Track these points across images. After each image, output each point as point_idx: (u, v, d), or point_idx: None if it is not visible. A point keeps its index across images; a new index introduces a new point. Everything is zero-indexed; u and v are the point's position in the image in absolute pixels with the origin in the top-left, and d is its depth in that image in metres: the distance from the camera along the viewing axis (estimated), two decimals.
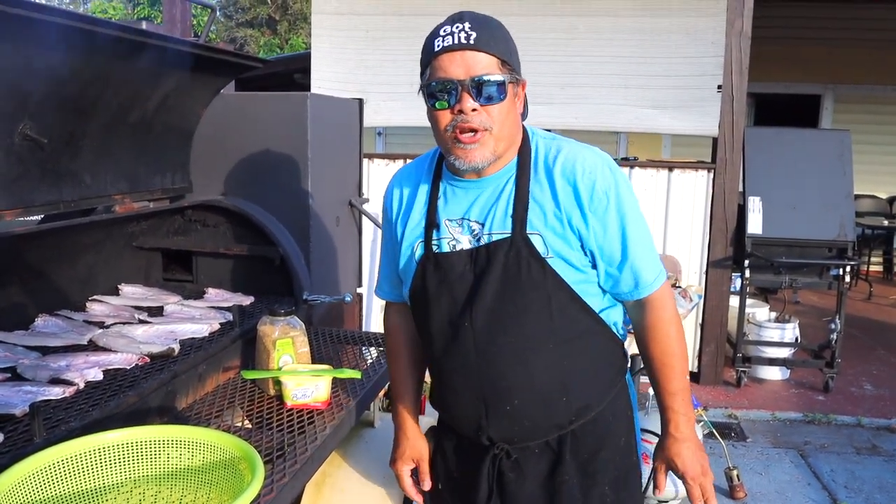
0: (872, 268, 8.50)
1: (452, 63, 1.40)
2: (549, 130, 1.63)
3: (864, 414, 4.61)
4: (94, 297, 2.34)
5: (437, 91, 1.43)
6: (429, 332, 1.59)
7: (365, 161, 4.35)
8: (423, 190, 1.60)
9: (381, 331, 1.96)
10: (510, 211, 1.48)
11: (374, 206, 4.28)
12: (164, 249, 2.71)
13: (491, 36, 1.42)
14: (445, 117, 1.44)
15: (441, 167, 1.58)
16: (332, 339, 2.41)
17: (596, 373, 1.57)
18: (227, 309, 2.29)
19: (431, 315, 1.56)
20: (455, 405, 1.60)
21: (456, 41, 1.40)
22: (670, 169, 5.06)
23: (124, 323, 2.12)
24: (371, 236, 4.45)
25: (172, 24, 2.83)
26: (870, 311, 7.20)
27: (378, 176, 5.21)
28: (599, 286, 1.54)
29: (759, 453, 4.10)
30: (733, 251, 4.96)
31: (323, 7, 5.15)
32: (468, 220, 1.52)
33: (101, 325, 2.10)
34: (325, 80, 5.17)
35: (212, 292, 2.49)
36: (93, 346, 1.94)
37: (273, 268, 2.57)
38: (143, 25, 2.20)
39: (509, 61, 1.43)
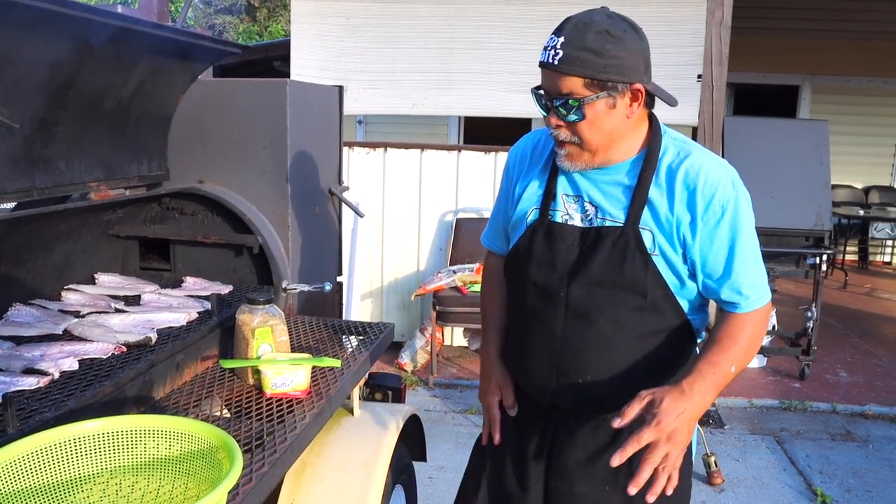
0: (848, 257, 8.61)
1: (545, 78, 1.49)
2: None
3: (838, 401, 4.68)
4: (70, 286, 2.31)
5: (538, 99, 1.53)
6: (521, 292, 1.67)
7: (345, 149, 4.32)
8: (547, 163, 1.67)
9: (361, 319, 1.97)
10: (626, 202, 1.54)
11: (353, 195, 4.26)
12: (141, 238, 2.67)
13: (581, 50, 1.42)
14: (547, 122, 1.54)
15: None
16: (311, 328, 2.39)
17: (669, 368, 1.60)
18: (206, 298, 2.27)
19: (528, 276, 1.63)
20: (528, 366, 1.68)
21: (546, 59, 1.46)
22: None
23: (100, 312, 2.09)
24: (351, 225, 4.43)
25: (149, 9, 2.79)
26: (845, 299, 7.30)
27: (358, 164, 5.19)
28: (696, 293, 1.59)
29: (737, 440, 4.15)
30: None
31: None
32: (583, 200, 1.59)
33: (76, 314, 2.07)
34: (305, 67, 5.13)
35: (190, 281, 2.47)
36: (68, 336, 1.91)
37: (252, 256, 2.55)
38: (119, 9, 2.16)
39: (599, 77, 1.43)
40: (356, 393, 2.21)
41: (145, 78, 2.26)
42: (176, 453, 1.37)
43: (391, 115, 5.23)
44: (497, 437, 1.78)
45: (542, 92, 1.50)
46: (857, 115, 8.71)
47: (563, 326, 1.59)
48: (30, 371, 1.64)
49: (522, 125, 5.27)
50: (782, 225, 4.90)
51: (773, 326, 5.25)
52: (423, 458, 2.57)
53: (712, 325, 1.63)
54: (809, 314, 4.94)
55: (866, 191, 8.83)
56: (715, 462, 3.59)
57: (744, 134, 5.12)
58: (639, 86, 1.50)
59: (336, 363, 1.99)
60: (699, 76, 4.82)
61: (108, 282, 2.42)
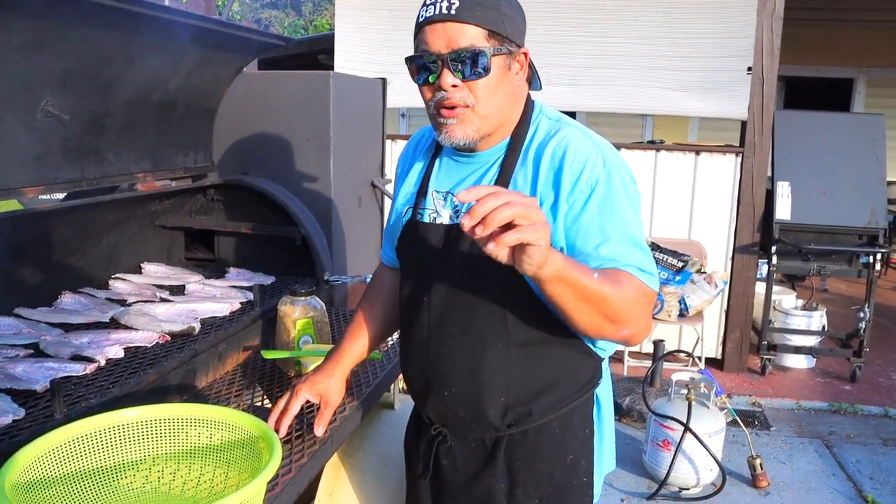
0: None
1: (434, 35, 1.31)
2: (571, 114, 1.52)
3: (891, 405, 4.53)
4: (117, 275, 2.35)
5: (418, 65, 1.35)
6: (401, 295, 1.57)
7: (388, 142, 4.33)
8: (426, 157, 1.56)
9: None
10: None
11: None
12: (187, 228, 2.71)
13: (477, 3, 1.29)
14: (428, 93, 1.36)
15: None
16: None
17: (549, 383, 1.44)
18: (248, 288, 2.29)
19: (404, 280, 1.55)
20: (408, 374, 1.57)
21: (437, 11, 1.30)
22: (697, 153, 4.98)
23: (146, 301, 2.12)
24: None
25: (196, 2, 2.82)
26: None
27: None
28: None
29: (783, 442, 4.05)
30: (760, 237, 4.88)
31: None
32: (453, 194, 1.46)
33: (122, 302, 2.10)
34: (349, 60, 5.14)
35: (233, 272, 2.49)
36: (114, 324, 1.95)
37: (294, 248, 2.57)
38: (167, 2, 2.19)
39: (499, 30, 1.31)
40: (396, 386, 2.21)
41: (191, 70, 2.29)
42: (217, 442, 1.37)
43: None
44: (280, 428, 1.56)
45: (431, 51, 1.31)
46: None
47: (428, 334, 1.46)
48: (77, 358, 1.67)
49: None
50: (835, 222, 4.76)
51: (824, 327, 5.11)
52: None
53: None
54: (861, 314, 4.79)
55: None
56: (760, 464, 3.51)
57: (795, 129, 4.98)
58: (526, 50, 1.39)
59: (377, 356, 1.99)
60: (749, 68, 4.70)
61: (154, 271, 2.46)
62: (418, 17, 1.35)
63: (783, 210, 4.79)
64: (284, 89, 2.62)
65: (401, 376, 2.31)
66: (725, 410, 3.64)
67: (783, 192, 4.81)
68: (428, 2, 1.33)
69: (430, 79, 1.34)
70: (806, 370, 5.10)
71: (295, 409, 1.57)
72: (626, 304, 1.23)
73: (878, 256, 4.81)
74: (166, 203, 2.60)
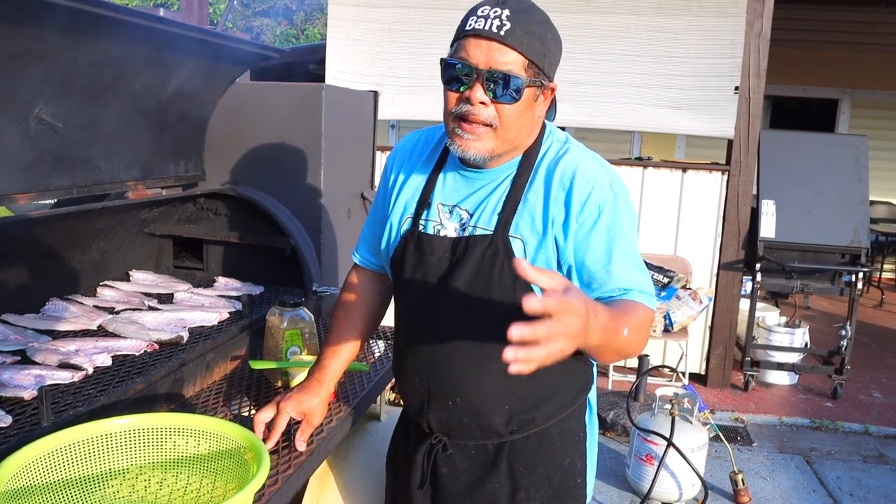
0: (885, 275, 8.44)
1: (477, 48, 1.32)
2: (562, 128, 1.59)
3: (871, 422, 4.58)
4: (105, 282, 2.35)
5: (453, 72, 1.36)
6: (399, 306, 1.57)
7: (378, 154, 4.35)
8: (426, 166, 1.55)
9: (388, 324, 1.95)
10: (499, 209, 1.42)
11: None
12: (176, 237, 2.71)
13: (527, 32, 1.32)
14: (453, 99, 1.37)
15: (448, 150, 1.52)
16: None
17: (550, 390, 1.50)
18: (237, 298, 2.29)
19: (404, 290, 1.54)
20: (405, 384, 1.58)
21: (488, 27, 1.31)
22: (684, 170, 5.04)
23: (134, 309, 2.13)
24: None
25: (189, 12, 2.83)
26: (881, 318, 7.15)
27: None
28: None
29: (765, 458, 4.08)
30: (745, 254, 4.93)
31: None
32: (459, 208, 1.47)
33: (111, 310, 2.10)
34: (340, 71, 5.17)
35: (222, 281, 2.50)
36: (102, 332, 1.95)
37: (283, 258, 2.57)
38: (161, 12, 2.20)
39: (539, 63, 1.35)
40: (383, 397, 2.22)
41: (184, 80, 2.30)
42: (204, 452, 1.38)
43: (424, 120, 5.24)
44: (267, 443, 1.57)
45: (469, 62, 1.33)
46: None
47: (432, 345, 1.48)
48: (65, 365, 1.67)
49: None
50: (818, 241, 4.82)
51: (806, 344, 5.16)
52: None
53: None
54: (843, 332, 4.85)
55: None
56: (742, 480, 3.53)
57: (781, 148, 5.05)
58: (554, 85, 1.43)
59: (364, 367, 2.00)
60: (736, 88, 4.77)
61: (143, 279, 2.46)
62: (465, 23, 1.35)
63: (768, 228, 4.85)
64: (277, 100, 2.63)
65: (387, 388, 2.32)
66: (708, 426, 3.66)
67: (768, 210, 4.87)
68: (480, 13, 1.33)
69: (461, 88, 1.36)
70: (788, 387, 5.15)
71: (282, 426, 1.57)
72: (637, 339, 1.31)
73: (861, 275, 4.87)
74: (156, 211, 2.60)
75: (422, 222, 1.50)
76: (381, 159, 5.14)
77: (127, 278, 2.45)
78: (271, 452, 1.54)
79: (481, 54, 1.32)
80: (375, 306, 1.73)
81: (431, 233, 1.48)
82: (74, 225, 2.21)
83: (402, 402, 1.66)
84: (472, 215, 1.45)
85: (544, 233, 1.39)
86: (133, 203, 2.32)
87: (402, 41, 5.11)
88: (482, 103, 1.34)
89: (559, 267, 1.40)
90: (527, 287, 1.34)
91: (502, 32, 1.30)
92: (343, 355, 1.68)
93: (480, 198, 1.45)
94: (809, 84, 8.53)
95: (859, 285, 4.91)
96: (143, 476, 1.38)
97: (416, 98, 5.08)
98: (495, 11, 1.31)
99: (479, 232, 1.43)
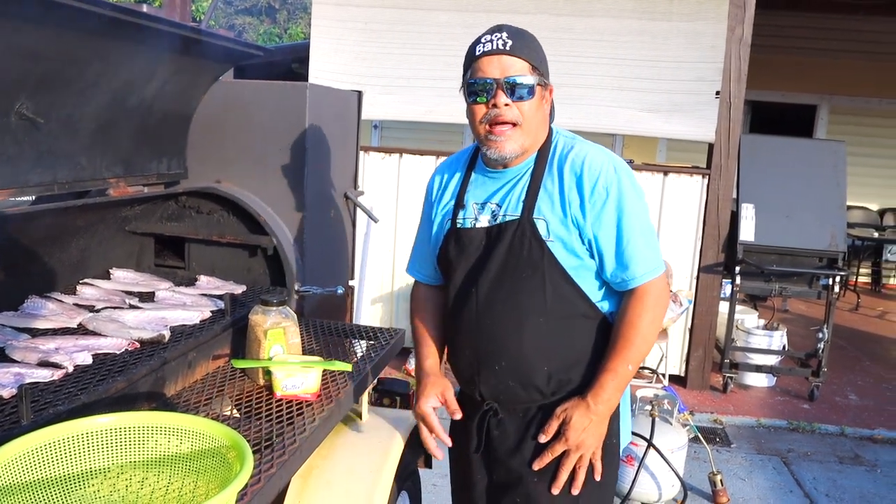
0: (861, 279, 8.55)
1: (490, 65, 1.63)
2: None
3: (847, 423, 4.64)
4: (86, 280, 2.33)
5: (476, 88, 1.64)
6: (448, 295, 1.81)
7: (361, 154, 4.34)
8: (458, 176, 1.84)
9: (372, 324, 2.00)
10: (523, 196, 1.69)
11: (368, 199, 4.27)
12: (157, 235, 2.69)
13: (525, 45, 1.65)
14: (481, 111, 1.65)
15: (475, 159, 1.82)
16: (323, 331, 2.40)
17: (583, 353, 1.72)
18: (219, 297, 2.28)
19: (451, 280, 1.79)
20: (458, 361, 1.81)
21: (494, 47, 1.63)
22: (665, 173, 5.07)
23: (115, 307, 2.11)
24: (364, 229, 4.44)
25: (172, 9, 2.81)
26: (857, 321, 7.25)
27: (373, 169, 5.20)
28: (598, 276, 1.70)
29: (743, 459, 4.12)
30: (725, 257, 4.98)
31: None
32: (489, 203, 1.74)
33: (91, 308, 2.08)
34: (323, 70, 5.15)
35: (204, 280, 2.48)
36: (83, 330, 1.93)
37: (266, 257, 2.57)
38: (144, 8, 2.18)
39: (539, 67, 1.66)
40: (365, 398, 2.21)
41: (167, 77, 2.29)
42: (186, 451, 1.37)
43: (407, 120, 5.24)
44: (447, 440, 1.85)
45: (487, 77, 1.62)
46: (874, 136, 8.66)
47: (477, 319, 1.72)
48: (44, 364, 1.65)
49: None
50: (796, 245, 4.87)
51: (784, 346, 5.22)
52: (428, 464, 2.57)
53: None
54: (820, 335, 4.91)
55: (881, 213, 8.77)
56: (721, 481, 3.57)
57: (760, 152, 5.10)
58: (552, 87, 1.74)
59: (347, 367, 2.00)
60: (717, 92, 4.81)
61: (123, 277, 2.44)
62: (474, 51, 1.66)
63: (747, 231, 4.89)
64: (261, 99, 2.62)
65: (370, 387, 2.32)
66: (688, 427, 3.69)
67: (747, 213, 4.92)
68: (483, 40, 1.65)
69: (486, 99, 1.63)
70: (766, 388, 5.20)
71: (436, 423, 1.80)
72: (648, 334, 1.67)
73: (838, 279, 4.93)
74: (137, 209, 2.58)
75: (459, 220, 1.77)
76: (363, 159, 5.13)
77: (107, 276, 2.43)
78: (253, 451, 1.53)
79: (496, 68, 1.63)
80: (442, 307, 1.92)
81: (469, 227, 1.76)
82: (54, 222, 2.18)
83: (455, 378, 1.87)
84: (500, 206, 1.72)
85: (564, 213, 1.65)
86: (114, 200, 2.30)
87: (384, 41, 5.10)
88: (506, 105, 1.63)
89: (582, 241, 1.66)
90: (552, 258, 1.65)
91: (507, 47, 1.63)
92: (436, 356, 1.90)
93: (506, 191, 1.73)
94: (789, 90, 8.64)
95: (836, 289, 4.97)
96: (124, 475, 1.37)
97: (398, 98, 5.07)
98: (496, 35, 1.64)
99: (508, 218, 1.70)
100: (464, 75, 1.70)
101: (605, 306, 1.73)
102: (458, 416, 1.78)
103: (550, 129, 1.77)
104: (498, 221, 1.71)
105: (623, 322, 1.67)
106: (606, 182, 1.64)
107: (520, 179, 1.72)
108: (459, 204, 1.78)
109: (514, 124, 1.64)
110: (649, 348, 1.72)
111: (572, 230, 1.65)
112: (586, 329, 1.72)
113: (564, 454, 1.67)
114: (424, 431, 1.81)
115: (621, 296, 1.72)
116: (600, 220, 1.65)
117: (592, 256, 1.68)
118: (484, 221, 1.74)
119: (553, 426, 1.68)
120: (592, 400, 1.65)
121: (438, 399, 1.80)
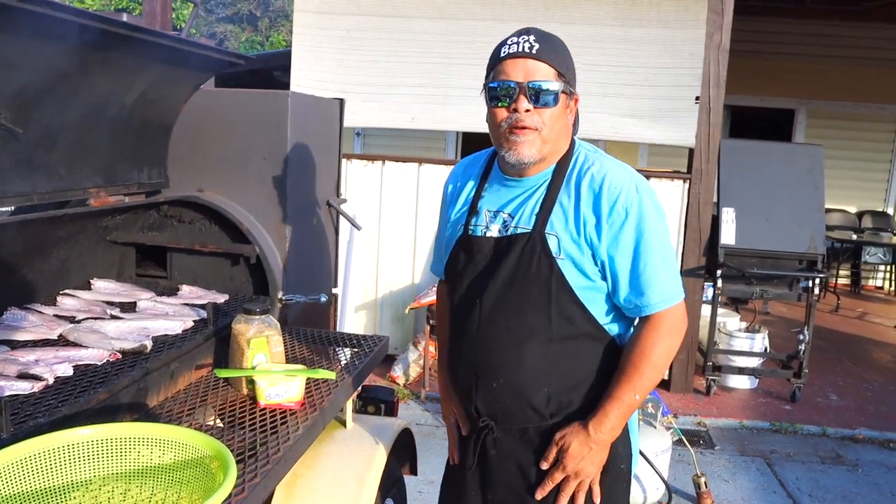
0: (840, 281, 8.65)
1: (514, 68, 1.55)
2: None
3: (829, 424, 4.69)
4: (66, 291, 2.31)
5: (497, 92, 1.57)
6: (452, 305, 1.77)
7: (343, 161, 4.34)
8: (473, 182, 1.78)
9: (355, 332, 2.00)
10: (536, 210, 1.63)
11: (351, 207, 4.27)
12: (139, 245, 2.68)
13: (552, 49, 1.57)
14: (502, 114, 1.58)
15: (492, 165, 1.76)
16: (306, 340, 2.40)
17: (585, 375, 1.65)
18: (202, 306, 2.27)
19: (456, 287, 1.74)
20: (456, 372, 1.76)
21: (520, 49, 1.55)
22: (646, 178, 5.10)
23: (96, 318, 2.09)
24: (347, 237, 4.44)
25: (152, 17, 2.81)
26: (837, 323, 7.33)
27: (356, 176, 5.20)
28: (608, 298, 1.64)
29: (727, 461, 4.15)
30: (706, 261, 5.02)
31: (305, 5, 5.13)
32: (502, 212, 1.68)
33: (71, 319, 2.07)
34: (305, 78, 5.15)
35: (186, 289, 2.47)
36: (63, 341, 1.91)
37: (248, 266, 2.56)
38: (124, 17, 2.18)
39: (566, 74, 1.59)
40: (349, 405, 2.21)
41: (148, 86, 2.28)
42: (169, 462, 1.37)
43: (389, 128, 5.25)
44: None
45: (510, 80, 1.55)
46: (851, 139, 8.78)
47: (478, 330, 1.67)
48: (24, 376, 1.64)
49: None
50: (776, 248, 4.93)
51: (766, 348, 5.27)
52: (413, 471, 2.57)
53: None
54: (801, 337, 4.96)
55: (859, 215, 8.89)
56: (705, 483, 3.59)
57: (740, 156, 5.15)
58: (578, 96, 1.67)
59: (330, 375, 1.99)
60: (697, 98, 4.86)
61: (104, 288, 2.42)
62: (498, 53, 1.59)
63: (728, 235, 4.94)
64: (242, 108, 2.62)
65: (355, 395, 2.32)
66: (672, 430, 3.72)
67: (728, 217, 4.97)
68: (510, 41, 1.58)
69: (507, 103, 1.57)
70: (749, 390, 5.25)
71: (456, 434, 1.85)
72: (658, 363, 1.59)
73: (817, 281, 4.99)
74: (118, 219, 2.57)
75: (471, 228, 1.72)
76: (346, 167, 5.13)
77: (88, 287, 2.41)
78: (237, 461, 1.53)
79: (519, 71, 1.55)
80: None
81: (479, 235, 1.70)
82: (34, 232, 2.17)
83: (453, 390, 1.83)
84: (513, 217, 1.66)
85: (577, 231, 1.59)
86: (95, 210, 2.28)
87: (366, 49, 5.11)
88: (527, 110, 1.55)
89: (594, 262, 1.60)
90: (561, 277, 1.58)
91: (534, 51, 1.55)
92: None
93: (520, 202, 1.66)
94: (767, 94, 8.74)
95: (816, 291, 5.03)
96: (106, 487, 1.36)
97: (381, 106, 5.08)
98: (523, 38, 1.57)
99: (519, 231, 1.64)
100: (486, 77, 1.62)
101: (613, 329, 1.66)
102: (466, 430, 1.80)
103: (573, 142, 1.69)
104: (508, 233, 1.64)
105: (634, 350, 1.60)
106: (627, 202, 1.57)
107: (535, 191, 1.65)
108: (473, 210, 1.73)
109: (535, 129, 1.57)
110: (659, 378, 1.64)
111: (585, 249, 1.58)
112: (591, 351, 1.65)
113: (563, 480, 1.63)
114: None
115: (633, 318, 1.66)
116: (617, 241, 1.57)
117: (605, 279, 1.61)
118: (494, 231, 1.67)
119: (552, 453, 1.63)
120: (594, 428, 1.59)
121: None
